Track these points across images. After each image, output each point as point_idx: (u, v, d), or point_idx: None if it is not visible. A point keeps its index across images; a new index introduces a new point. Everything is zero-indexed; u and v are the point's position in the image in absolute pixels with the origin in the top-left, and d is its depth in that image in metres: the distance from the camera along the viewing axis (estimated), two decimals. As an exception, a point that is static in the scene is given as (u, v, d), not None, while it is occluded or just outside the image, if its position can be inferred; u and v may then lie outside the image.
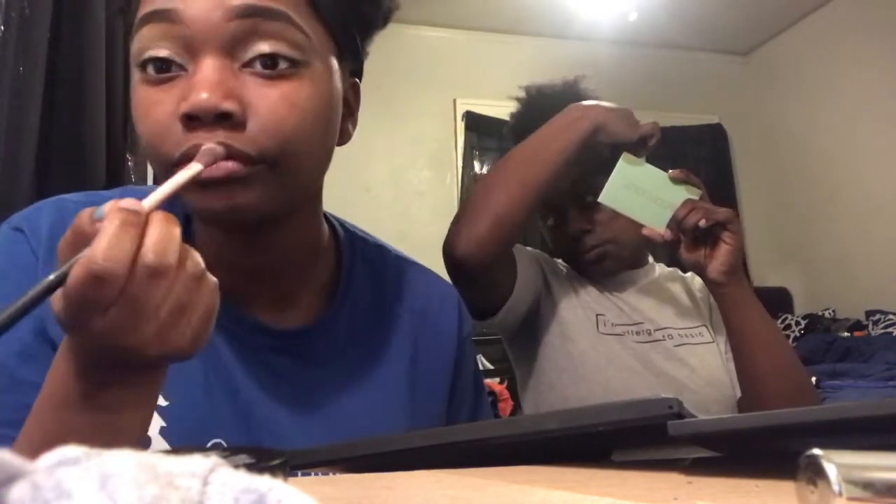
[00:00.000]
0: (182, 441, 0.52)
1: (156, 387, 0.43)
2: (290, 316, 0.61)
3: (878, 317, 3.18)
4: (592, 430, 0.39)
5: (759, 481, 0.35)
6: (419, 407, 0.65)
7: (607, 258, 1.07)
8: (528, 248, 1.12)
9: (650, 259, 1.19)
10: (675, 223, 0.91)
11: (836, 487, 0.25)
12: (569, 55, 3.73)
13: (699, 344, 1.07)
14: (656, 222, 0.93)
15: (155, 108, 0.48)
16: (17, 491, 0.16)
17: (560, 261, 1.16)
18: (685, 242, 0.93)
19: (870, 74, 3.55)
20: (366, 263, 0.69)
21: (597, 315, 1.06)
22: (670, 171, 0.94)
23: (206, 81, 0.47)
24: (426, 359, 0.68)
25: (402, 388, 0.65)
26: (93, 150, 1.23)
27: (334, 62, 0.54)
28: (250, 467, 0.27)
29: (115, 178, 1.31)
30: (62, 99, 1.17)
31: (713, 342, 1.08)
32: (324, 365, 0.61)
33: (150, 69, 0.49)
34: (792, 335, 3.41)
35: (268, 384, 0.58)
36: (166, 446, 0.52)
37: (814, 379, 2.40)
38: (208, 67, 0.47)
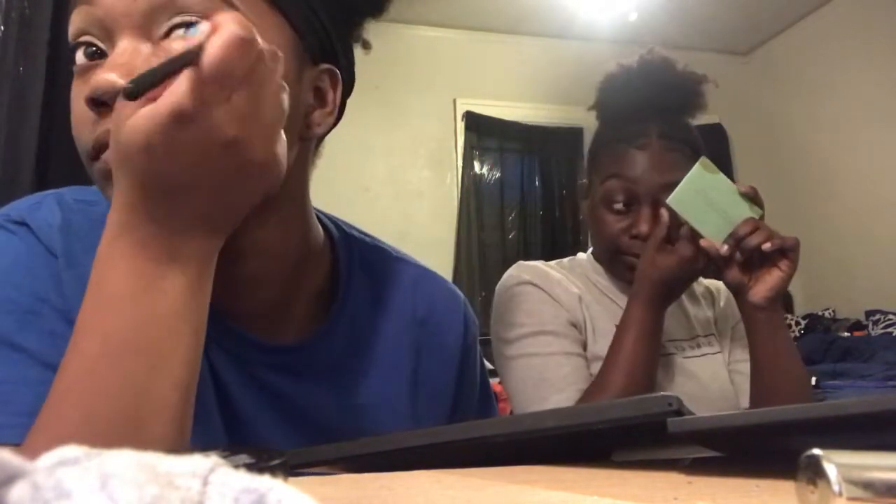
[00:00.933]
0: None
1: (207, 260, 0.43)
2: (285, 330, 0.58)
3: (878, 317, 3.18)
4: (592, 427, 0.39)
5: (759, 481, 0.35)
6: (421, 418, 0.63)
7: None
8: (567, 320, 1.00)
9: None
10: (735, 240, 0.88)
11: (836, 487, 0.25)
12: (569, 55, 3.74)
13: (709, 354, 1.04)
14: (715, 235, 0.90)
15: (76, 100, 0.47)
16: (17, 491, 0.16)
17: (598, 278, 1.08)
18: (738, 261, 0.90)
19: (870, 74, 3.55)
20: (364, 268, 0.65)
21: (615, 326, 1.00)
22: (741, 185, 0.91)
23: (110, 62, 0.45)
24: (429, 369, 0.65)
25: (403, 401, 0.63)
26: (93, 150, 1.22)
27: (284, 43, 0.50)
28: (250, 467, 0.27)
29: (115, 178, 1.30)
30: (62, 99, 1.17)
31: (721, 352, 1.06)
32: (321, 381, 0.59)
33: (80, 57, 0.48)
34: (792, 335, 3.41)
35: (264, 401, 0.56)
36: None
37: (814, 379, 2.40)
38: (118, 49, 0.45)
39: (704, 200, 0.90)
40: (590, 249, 1.14)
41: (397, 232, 3.11)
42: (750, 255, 0.89)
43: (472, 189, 3.98)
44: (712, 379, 1.02)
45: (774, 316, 0.91)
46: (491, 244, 4.01)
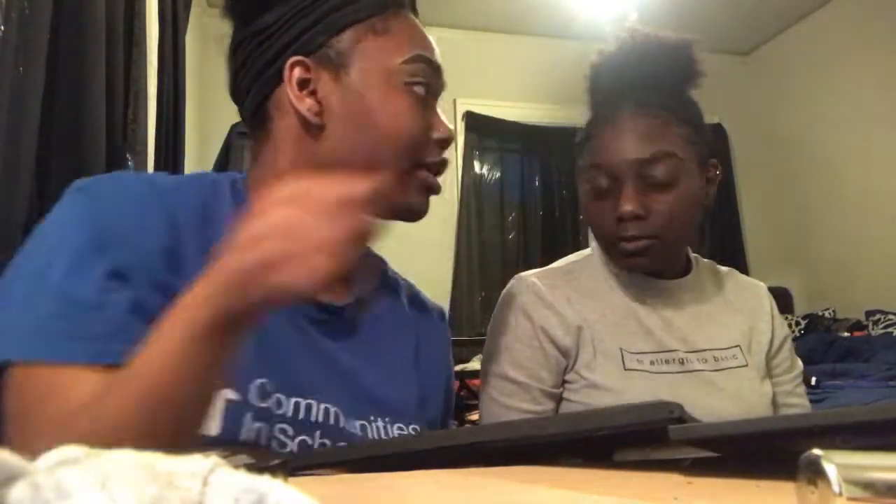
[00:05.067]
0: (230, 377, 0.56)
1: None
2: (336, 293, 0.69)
3: (878, 317, 3.18)
4: (594, 434, 0.40)
5: (759, 481, 0.35)
6: (424, 395, 0.74)
7: (647, 255, 0.91)
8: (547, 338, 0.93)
9: (695, 261, 1.03)
10: None
11: (836, 487, 0.25)
12: (569, 55, 3.72)
13: (735, 368, 0.95)
14: None
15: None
16: (17, 491, 0.16)
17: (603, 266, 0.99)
18: None
19: (870, 74, 3.55)
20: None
21: (620, 349, 0.93)
22: None
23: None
24: (426, 350, 0.78)
25: (411, 372, 0.75)
26: (93, 150, 1.22)
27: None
28: (250, 467, 0.27)
29: (115, 178, 1.30)
30: (62, 99, 1.17)
31: (746, 366, 0.96)
32: (348, 339, 0.69)
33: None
34: (792, 335, 3.41)
35: (298, 342, 0.64)
36: None
37: (814, 379, 2.40)
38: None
39: None
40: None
41: (397, 232, 3.10)
42: None
43: (472, 189, 3.97)
44: (738, 393, 0.92)
45: None
46: (491, 244, 4.00)
